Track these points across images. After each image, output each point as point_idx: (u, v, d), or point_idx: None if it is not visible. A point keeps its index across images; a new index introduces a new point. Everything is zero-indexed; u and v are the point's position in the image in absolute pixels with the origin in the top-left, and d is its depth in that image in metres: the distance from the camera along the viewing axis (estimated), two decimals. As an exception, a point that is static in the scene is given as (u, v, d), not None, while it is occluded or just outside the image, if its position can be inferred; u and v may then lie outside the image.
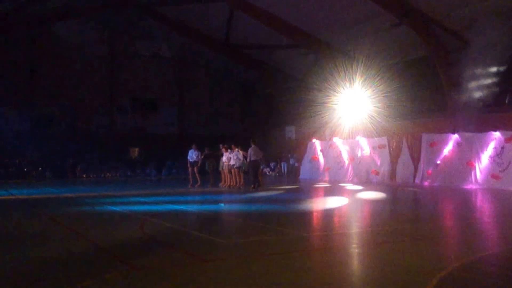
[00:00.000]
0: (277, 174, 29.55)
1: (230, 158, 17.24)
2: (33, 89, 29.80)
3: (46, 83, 29.70)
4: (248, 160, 16.74)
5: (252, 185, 16.56)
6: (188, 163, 18.45)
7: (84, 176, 28.25)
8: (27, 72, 29.51)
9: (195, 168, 18.28)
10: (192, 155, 18.28)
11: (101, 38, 30.83)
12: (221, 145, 18.33)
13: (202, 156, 18.51)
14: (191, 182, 18.26)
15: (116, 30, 31.10)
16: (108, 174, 29.24)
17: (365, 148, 22.98)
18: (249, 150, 16.67)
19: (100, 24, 30.04)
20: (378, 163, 22.13)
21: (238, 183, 17.18)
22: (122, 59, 31.81)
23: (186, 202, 13.24)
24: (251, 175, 16.84)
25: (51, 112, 30.03)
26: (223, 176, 18.26)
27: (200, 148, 18.64)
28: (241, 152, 17.21)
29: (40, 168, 27.53)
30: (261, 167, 18.39)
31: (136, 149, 32.06)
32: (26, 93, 29.58)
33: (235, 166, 17.11)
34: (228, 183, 17.71)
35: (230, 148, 17.56)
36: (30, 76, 29.65)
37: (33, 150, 28.19)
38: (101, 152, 30.09)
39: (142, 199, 13.58)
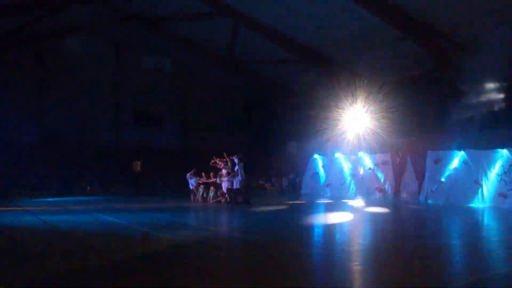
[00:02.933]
0: (278, 189, 29.22)
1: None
2: (41, 104, 30.38)
3: (54, 98, 30.29)
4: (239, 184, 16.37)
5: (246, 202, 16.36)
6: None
7: (89, 188, 28.42)
8: (35, 87, 30.18)
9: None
10: (191, 181, 18.69)
11: (107, 53, 31.26)
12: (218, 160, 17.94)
13: (200, 182, 18.63)
14: (194, 197, 18.69)
15: (122, 45, 31.71)
16: (113, 187, 29.36)
17: (367, 164, 22.62)
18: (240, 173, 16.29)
19: (106, 39, 30.49)
20: (381, 180, 21.75)
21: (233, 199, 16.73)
22: (127, 74, 32.39)
23: (188, 217, 13.33)
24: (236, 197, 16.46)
25: (59, 126, 30.50)
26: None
27: (197, 173, 18.85)
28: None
29: (46, 180, 27.81)
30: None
31: (139, 163, 32.23)
32: (35, 107, 30.17)
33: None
34: (221, 199, 17.37)
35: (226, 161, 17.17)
36: (38, 91, 30.29)
37: (40, 162, 28.59)
38: (107, 166, 30.60)
39: (144, 212, 13.81)
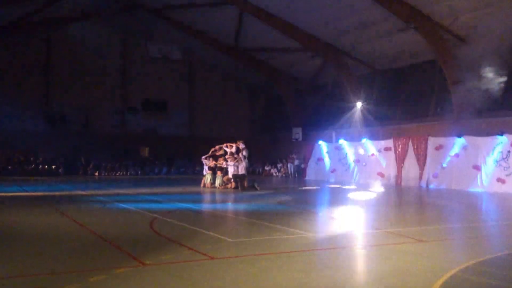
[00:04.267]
0: (284, 175, 29.77)
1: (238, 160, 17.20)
2: (48, 90, 30.61)
3: (61, 84, 30.49)
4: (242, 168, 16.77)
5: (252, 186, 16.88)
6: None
7: (96, 174, 28.95)
8: (42, 73, 30.37)
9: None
10: (206, 167, 18.64)
11: (114, 41, 31.51)
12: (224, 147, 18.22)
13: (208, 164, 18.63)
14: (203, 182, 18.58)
15: (129, 33, 31.84)
16: (119, 172, 29.91)
17: (371, 150, 23.10)
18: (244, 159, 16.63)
19: (113, 27, 30.69)
20: (384, 166, 22.27)
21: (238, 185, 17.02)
22: (134, 61, 32.54)
23: (194, 201, 13.46)
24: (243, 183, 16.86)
25: (65, 112, 30.77)
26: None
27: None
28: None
29: (53, 166, 28.26)
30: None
31: (147, 149, 32.77)
32: (41, 93, 30.41)
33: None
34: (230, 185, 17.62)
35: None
36: (45, 77, 30.48)
37: (47, 148, 28.92)
38: (113, 151, 30.94)
39: (151, 197, 13.84)
